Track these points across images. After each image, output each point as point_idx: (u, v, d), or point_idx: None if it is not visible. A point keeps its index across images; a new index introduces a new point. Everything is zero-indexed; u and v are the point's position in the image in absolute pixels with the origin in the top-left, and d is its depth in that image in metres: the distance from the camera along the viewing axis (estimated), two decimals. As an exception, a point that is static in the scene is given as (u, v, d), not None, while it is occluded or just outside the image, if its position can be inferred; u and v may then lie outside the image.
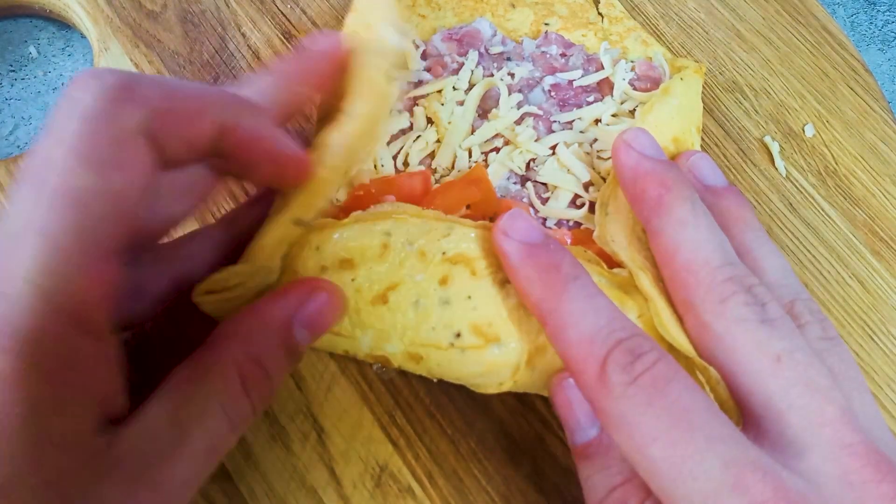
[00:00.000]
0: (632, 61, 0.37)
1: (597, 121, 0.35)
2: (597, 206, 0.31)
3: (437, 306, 0.26)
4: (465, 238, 0.27)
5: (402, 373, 0.32)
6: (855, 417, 0.22)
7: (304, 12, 0.40)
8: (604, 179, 0.33)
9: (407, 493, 0.30)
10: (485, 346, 0.26)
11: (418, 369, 0.28)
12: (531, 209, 0.33)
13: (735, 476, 0.20)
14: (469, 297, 0.27)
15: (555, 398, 0.27)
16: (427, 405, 0.31)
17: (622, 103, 0.36)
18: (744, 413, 0.24)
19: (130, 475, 0.21)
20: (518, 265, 0.26)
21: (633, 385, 0.22)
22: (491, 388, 0.28)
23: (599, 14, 0.40)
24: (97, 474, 0.20)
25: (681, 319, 0.26)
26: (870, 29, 0.51)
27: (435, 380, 0.29)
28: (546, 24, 0.39)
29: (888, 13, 0.52)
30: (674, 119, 0.33)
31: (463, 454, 0.31)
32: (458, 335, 0.26)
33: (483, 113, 0.35)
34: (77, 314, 0.20)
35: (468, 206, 0.32)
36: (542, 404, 0.32)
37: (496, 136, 0.34)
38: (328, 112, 0.29)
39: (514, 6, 0.40)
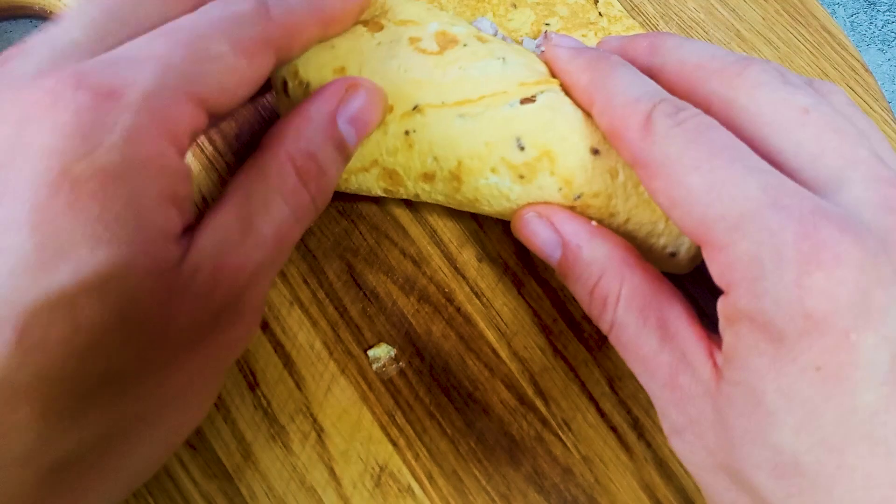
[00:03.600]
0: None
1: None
2: None
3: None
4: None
5: (402, 373, 0.32)
6: (884, 160, 0.23)
7: (305, 12, 0.40)
8: None
9: (407, 493, 0.30)
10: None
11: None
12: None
13: (773, 196, 0.21)
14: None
15: (521, 232, 0.29)
16: (427, 405, 0.31)
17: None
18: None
19: (205, 277, 0.21)
20: (569, 59, 0.28)
21: (677, 127, 0.23)
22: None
23: (600, 14, 0.40)
24: (173, 286, 0.20)
25: None
26: (870, 29, 0.51)
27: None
28: (547, 24, 0.39)
29: (888, 13, 0.52)
30: None
31: (463, 454, 0.31)
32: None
33: (483, 113, 0.35)
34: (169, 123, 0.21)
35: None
36: (542, 404, 0.32)
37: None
38: None
39: (515, 6, 0.40)
